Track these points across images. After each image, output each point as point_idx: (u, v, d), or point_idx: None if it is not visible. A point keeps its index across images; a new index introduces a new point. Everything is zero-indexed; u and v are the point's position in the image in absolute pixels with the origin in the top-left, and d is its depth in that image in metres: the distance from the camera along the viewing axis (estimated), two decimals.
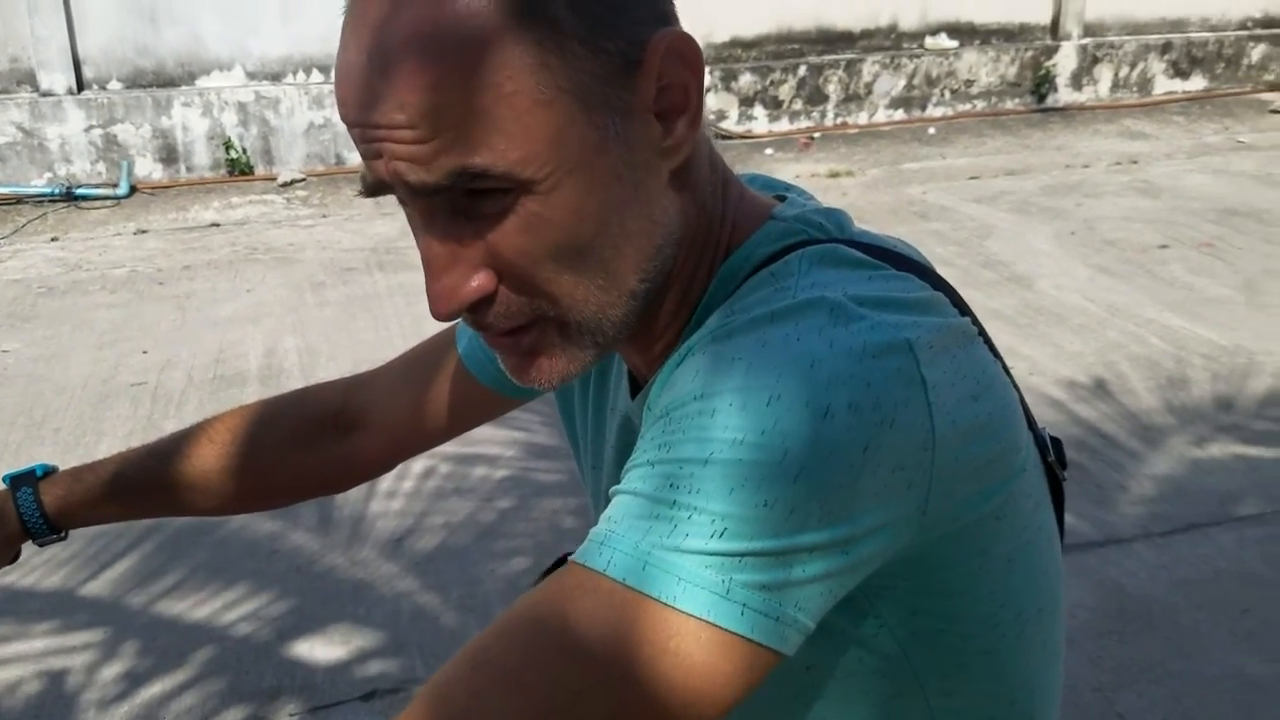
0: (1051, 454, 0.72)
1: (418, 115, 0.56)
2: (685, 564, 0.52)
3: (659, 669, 0.51)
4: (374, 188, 0.61)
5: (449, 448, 3.26)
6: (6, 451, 3.33)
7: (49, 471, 0.97)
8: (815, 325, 0.56)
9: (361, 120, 0.58)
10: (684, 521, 0.52)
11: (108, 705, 2.29)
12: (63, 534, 0.97)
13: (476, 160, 0.56)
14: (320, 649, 2.45)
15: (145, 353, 4.12)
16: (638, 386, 0.73)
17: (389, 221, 5.80)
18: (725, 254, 0.67)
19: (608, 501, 0.77)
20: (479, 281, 0.60)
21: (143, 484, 0.97)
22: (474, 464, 3.24)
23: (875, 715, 0.67)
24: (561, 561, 1.89)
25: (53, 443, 3.41)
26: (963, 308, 0.65)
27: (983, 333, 0.65)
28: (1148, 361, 3.80)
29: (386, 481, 3.14)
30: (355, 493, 3.07)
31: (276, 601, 2.62)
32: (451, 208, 0.59)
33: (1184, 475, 3.09)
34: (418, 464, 3.22)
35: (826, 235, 0.66)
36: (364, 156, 0.60)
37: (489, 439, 3.35)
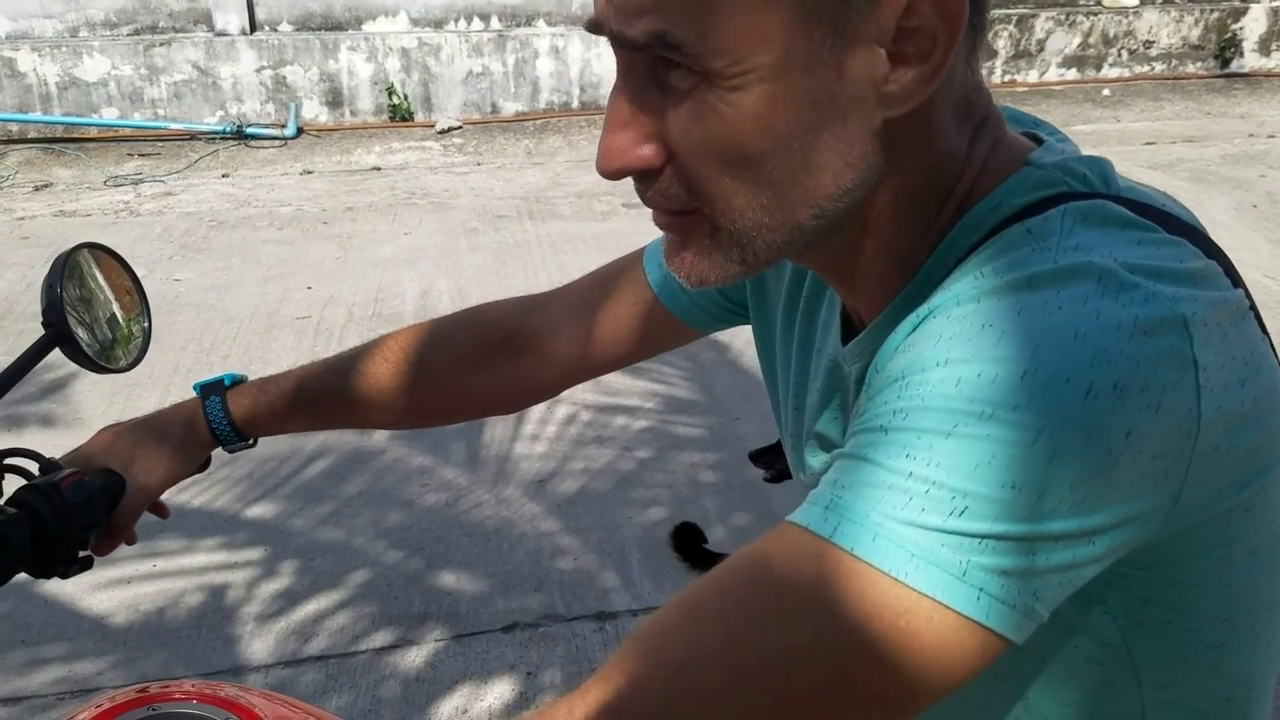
0: None
1: None
2: (920, 540, 0.49)
3: (886, 645, 0.49)
4: (592, 25, 0.60)
5: (590, 396, 3.32)
6: (177, 374, 3.51)
7: (236, 381, 1.01)
8: (1081, 294, 0.51)
9: None
10: (920, 495, 0.49)
11: (265, 620, 2.41)
12: (251, 441, 1.02)
13: (676, 32, 0.54)
14: (465, 580, 2.53)
15: (309, 288, 4.28)
16: (850, 331, 0.70)
17: (540, 171, 5.87)
18: (969, 201, 0.61)
19: (821, 444, 0.75)
20: (648, 152, 0.58)
21: (322, 397, 1.00)
22: (615, 414, 3.27)
23: (1084, 701, 0.63)
24: (685, 531, 1.95)
25: (220, 368, 3.57)
26: (1235, 279, 0.58)
27: (1253, 306, 0.58)
28: None
29: (530, 425, 3.20)
30: (501, 433, 3.14)
31: (426, 532, 2.71)
32: (649, 70, 0.57)
33: None
34: (560, 409, 3.27)
35: (1090, 188, 0.59)
36: None
37: (629, 390, 3.37)
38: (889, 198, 0.60)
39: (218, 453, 1.03)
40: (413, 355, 0.98)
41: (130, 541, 0.98)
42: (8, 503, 0.85)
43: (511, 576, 2.54)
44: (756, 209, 0.58)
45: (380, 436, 3.12)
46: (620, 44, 0.57)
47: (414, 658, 2.28)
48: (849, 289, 0.67)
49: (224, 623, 2.41)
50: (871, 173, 0.58)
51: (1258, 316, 0.58)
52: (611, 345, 0.93)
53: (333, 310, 4.06)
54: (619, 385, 3.38)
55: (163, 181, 5.72)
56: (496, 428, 3.19)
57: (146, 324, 1.00)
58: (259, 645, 2.34)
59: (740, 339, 3.66)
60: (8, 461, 0.88)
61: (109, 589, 2.50)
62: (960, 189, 0.61)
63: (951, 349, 0.51)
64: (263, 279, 4.39)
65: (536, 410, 3.28)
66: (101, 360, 0.93)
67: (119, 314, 0.97)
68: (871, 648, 0.49)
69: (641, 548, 2.64)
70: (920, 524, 0.49)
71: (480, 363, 0.99)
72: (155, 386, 3.41)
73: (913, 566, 0.49)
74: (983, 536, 0.48)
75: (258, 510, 2.81)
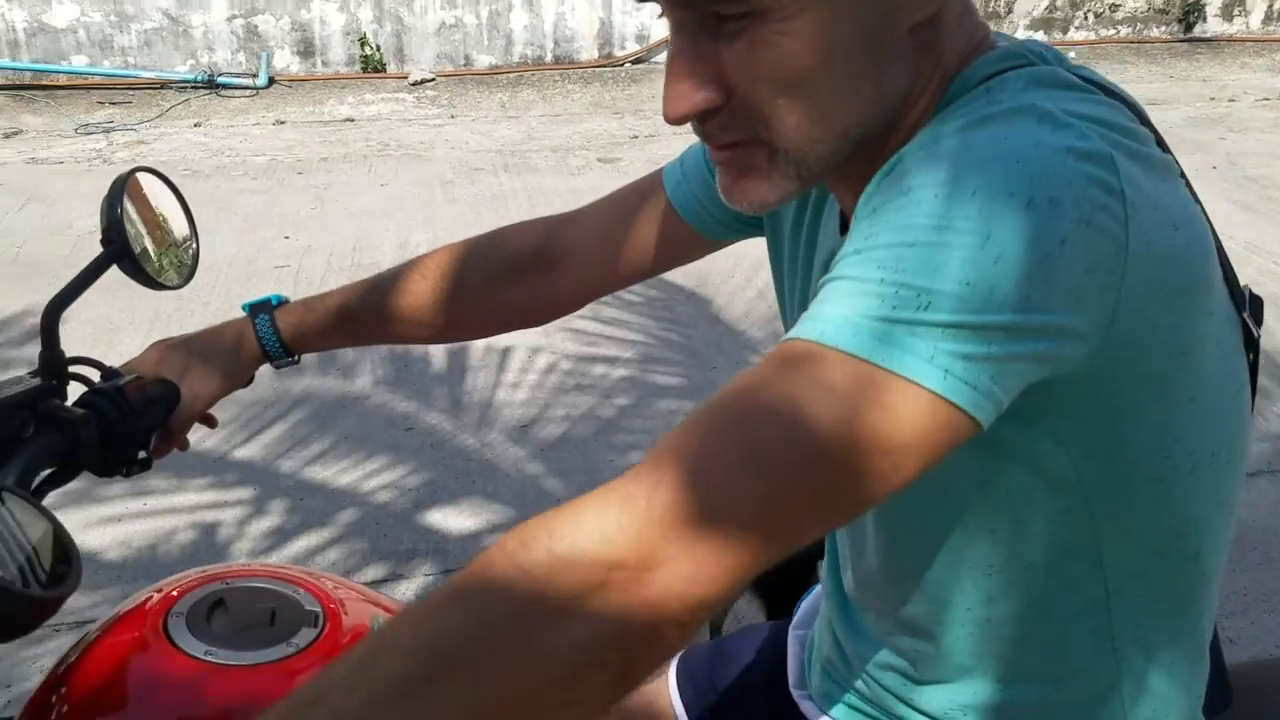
0: (1248, 309, 0.73)
1: None
2: (894, 332, 0.56)
3: (875, 419, 0.56)
4: None
5: (569, 345, 3.39)
6: (158, 320, 3.53)
7: (282, 302, 1.08)
8: (1024, 127, 0.59)
9: None
10: (890, 296, 0.57)
11: (256, 556, 2.47)
12: (296, 358, 1.08)
13: None
14: (453, 519, 2.60)
15: (287, 238, 4.30)
16: (845, 227, 0.76)
17: (514, 125, 5.89)
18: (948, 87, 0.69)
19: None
20: (708, 94, 0.65)
21: (364, 315, 1.07)
22: (594, 363, 3.34)
23: (1044, 530, 0.71)
24: None
25: (201, 315, 3.60)
26: (1165, 148, 0.66)
27: (1187, 182, 0.66)
28: None
29: (511, 373, 3.26)
30: (482, 380, 3.21)
31: (413, 474, 2.77)
32: (700, 23, 0.64)
33: None
34: (541, 359, 3.33)
35: (1044, 62, 0.68)
36: None
37: (610, 338, 3.44)
38: (914, 99, 0.69)
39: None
40: (449, 272, 1.05)
41: (183, 448, 1.04)
42: (75, 405, 0.91)
43: (498, 516, 2.61)
44: (809, 124, 0.66)
45: (363, 382, 3.18)
46: (674, 4, 0.64)
47: (404, 591, 2.35)
48: (853, 191, 0.73)
49: (216, 559, 2.47)
50: (901, 76, 0.66)
51: (1193, 192, 0.67)
52: (634, 259, 1.00)
53: (311, 259, 4.08)
54: (597, 334, 3.45)
55: (135, 130, 5.68)
56: (479, 375, 3.25)
57: (195, 246, 1.05)
58: None
59: (720, 293, 3.73)
60: (72, 369, 0.93)
61: (100, 526, 2.55)
62: (947, 79, 0.69)
63: (913, 180, 0.60)
64: (240, 228, 4.40)
65: (517, 359, 3.35)
66: (156, 277, 0.98)
67: (172, 235, 1.03)
68: (865, 423, 0.56)
69: None
70: (893, 318, 0.56)
71: (513, 278, 1.05)
72: (137, 331, 3.44)
73: (888, 353, 0.56)
74: (945, 326, 0.56)
75: (245, 452, 2.86)
